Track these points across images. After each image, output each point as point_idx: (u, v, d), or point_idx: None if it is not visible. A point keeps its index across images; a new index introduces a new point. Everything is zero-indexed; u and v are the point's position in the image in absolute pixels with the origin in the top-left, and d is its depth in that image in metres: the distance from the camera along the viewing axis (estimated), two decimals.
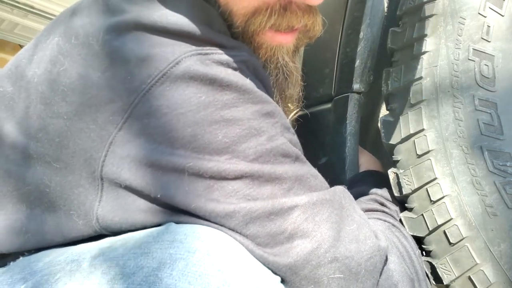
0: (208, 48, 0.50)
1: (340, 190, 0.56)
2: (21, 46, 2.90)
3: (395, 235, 0.61)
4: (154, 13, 0.50)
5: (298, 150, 0.54)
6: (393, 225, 0.64)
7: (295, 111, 0.71)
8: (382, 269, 0.53)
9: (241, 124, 0.48)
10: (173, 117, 0.46)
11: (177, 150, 0.46)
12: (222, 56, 0.50)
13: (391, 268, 0.54)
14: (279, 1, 0.57)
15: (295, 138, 0.56)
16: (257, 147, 0.48)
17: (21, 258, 0.51)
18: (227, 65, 0.50)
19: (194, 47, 0.49)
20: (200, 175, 0.46)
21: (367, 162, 0.86)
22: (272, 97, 0.57)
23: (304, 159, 0.55)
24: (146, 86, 0.46)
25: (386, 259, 0.54)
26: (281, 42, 0.61)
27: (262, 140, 0.49)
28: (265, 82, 0.56)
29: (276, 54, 0.62)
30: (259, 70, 0.56)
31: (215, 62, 0.49)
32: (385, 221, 0.64)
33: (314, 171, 0.56)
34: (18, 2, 2.34)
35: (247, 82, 0.50)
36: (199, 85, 0.47)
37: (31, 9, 2.41)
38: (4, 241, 0.51)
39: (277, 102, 0.66)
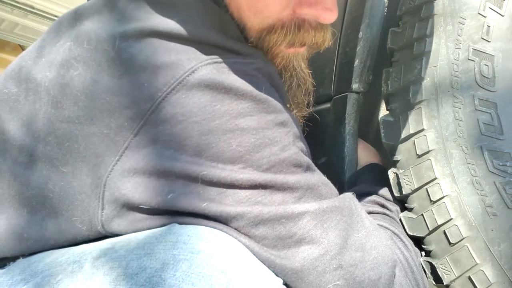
0: (223, 55, 0.50)
1: (349, 197, 0.57)
2: (21, 46, 2.90)
3: (397, 246, 0.61)
4: (169, 20, 0.50)
5: (308, 159, 0.55)
6: (394, 233, 0.64)
7: (302, 115, 0.72)
8: (390, 281, 0.54)
9: (255, 134, 0.48)
10: (188, 125, 0.46)
11: (191, 158, 0.46)
12: (238, 64, 0.51)
13: (395, 282, 0.55)
14: (294, 20, 0.58)
15: (305, 146, 0.57)
16: (270, 157, 0.49)
17: (21, 258, 0.51)
18: (242, 73, 0.50)
19: (210, 56, 0.49)
20: (213, 183, 0.47)
21: (367, 156, 0.86)
22: (285, 104, 0.58)
23: (314, 167, 0.56)
24: (163, 94, 0.46)
25: (394, 272, 0.55)
26: (294, 53, 0.62)
27: (275, 150, 0.50)
28: (280, 89, 0.57)
29: (292, 61, 0.63)
30: (274, 77, 0.56)
31: (231, 70, 0.49)
32: (386, 228, 0.64)
33: (324, 178, 0.56)
34: (18, 2, 2.34)
35: (262, 91, 0.51)
36: (215, 94, 0.47)
37: (31, 9, 2.41)
38: (5, 246, 0.51)
39: (289, 108, 0.67)
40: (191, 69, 0.47)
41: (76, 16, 0.55)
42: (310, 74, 0.69)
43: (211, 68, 0.48)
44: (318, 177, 0.55)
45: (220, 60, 0.49)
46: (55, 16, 2.50)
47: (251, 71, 0.51)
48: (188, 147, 0.46)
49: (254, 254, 0.46)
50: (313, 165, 0.56)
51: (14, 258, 0.51)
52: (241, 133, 0.48)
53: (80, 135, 0.48)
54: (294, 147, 0.52)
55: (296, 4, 0.57)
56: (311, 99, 0.72)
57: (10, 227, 0.51)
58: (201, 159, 0.47)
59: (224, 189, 0.47)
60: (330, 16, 0.57)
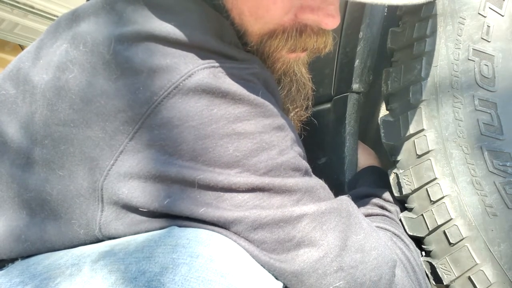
0: (220, 60, 0.50)
1: (346, 199, 0.57)
2: (21, 46, 2.90)
3: (398, 247, 0.61)
4: (167, 24, 0.50)
5: (306, 164, 0.55)
6: (394, 234, 0.64)
7: (300, 119, 0.72)
8: (391, 281, 0.54)
9: (252, 138, 0.48)
10: (184, 129, 0.46)
11: (187, 162, 0.46)
12: (234, 69, 0.50)
13: (396, 283, 0.55)
14: (295, 25, 0.58)
15: (303, 151, 0.57)
16: (268, 161, 0.49)
17: (19, 260, 0.51)
18: (239, 78, 0.50)
19: (206, 60, 0.49)
20: (210, 187, 0.47)
21: (366, 158, 0.86)
22: (281, 109, 0.57)
23: (311, 173, 0.56)
24: (158, 98, 0.46)
25: (394, 272, 0.55)
26: (295, 58, 0.62)
27: (273, 154, 0.49)
28: (275, 95, 0.57)
29: (292, 67, 0.63)
30: (270, 82, 0.56)
31: (227, 75, 0.49)
32: (386, 229, 0.64)
33: (322, 182, 0.56)
34: (18, 2, 2.34)
35: (259, 96, 0.50)
36: (212, 98, 0.47)
37: (31, 9, 2.42)
38: (2, 247, 0.51)
39: (287, 112, 0.67)
40: (188, 73, 0.47)
41: (74, 17, 0.55)
42: (310, 79, 0.69)
43: (208, 72, 0.48)
44: (316, 180, 0.55)
45: (216, 64, 0.49)
46: (55, 16, 2.50)
47: (248, 76, 0.51)
48: (184, 152, 0.46)
49: (253, 258, 0.46)
50: (310, 171, 0.56)
51: (12, 260, 0.51)
52: (238, 137, 0.47)
53: (75, 139, 0.48)
54: (292, 151, 0.52)
55: (298, 10, 0.57)
56: (309, 103, 0.72)
57: (9, 229, 0.51)
58: (197, 163, 0.46)
59: (221, 193, 0.47)
60: (332, 22, 0.57)
